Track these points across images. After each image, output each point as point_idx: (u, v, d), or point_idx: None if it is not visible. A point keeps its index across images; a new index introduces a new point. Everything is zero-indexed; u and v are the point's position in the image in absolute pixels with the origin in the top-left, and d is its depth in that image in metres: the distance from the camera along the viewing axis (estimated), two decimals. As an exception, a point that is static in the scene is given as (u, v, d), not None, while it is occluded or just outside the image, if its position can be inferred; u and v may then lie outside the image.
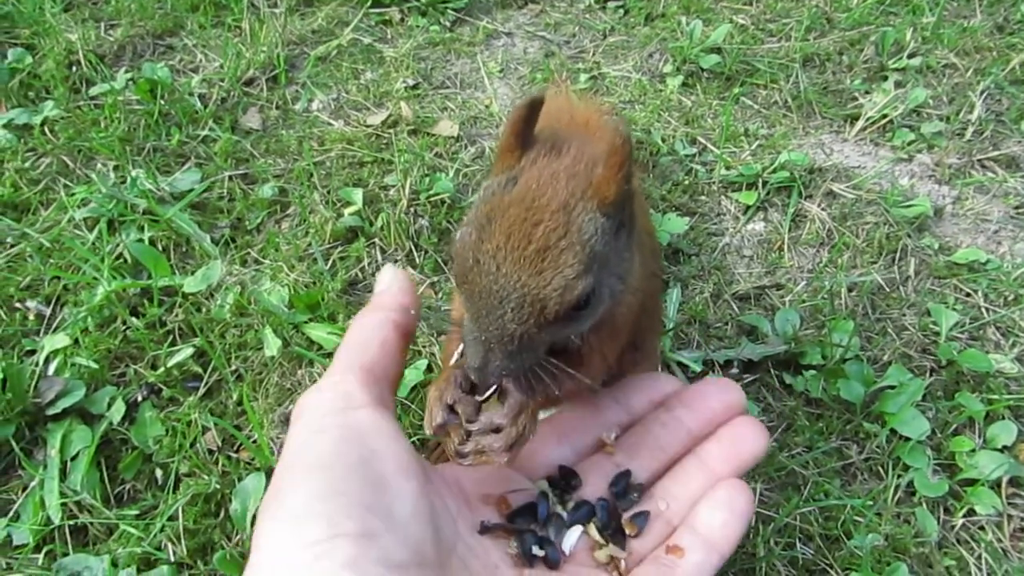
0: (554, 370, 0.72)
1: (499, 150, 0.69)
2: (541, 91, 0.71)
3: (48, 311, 1.47)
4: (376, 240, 1.57)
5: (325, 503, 0.63)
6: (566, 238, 0.65)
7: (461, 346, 0.75)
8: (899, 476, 1.29)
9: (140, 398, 1.33)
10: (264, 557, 0.61)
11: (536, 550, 0.76)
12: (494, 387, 0.75)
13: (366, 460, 0.67)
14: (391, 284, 0.82)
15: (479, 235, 0.66)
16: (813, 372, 1.38)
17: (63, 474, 1.22)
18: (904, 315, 1.56)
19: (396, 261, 1.55)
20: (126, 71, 1.92)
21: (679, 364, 1.40)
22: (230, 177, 1.70)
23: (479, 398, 0.75)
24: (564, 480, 0.85)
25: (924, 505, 1.25)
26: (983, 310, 1.57)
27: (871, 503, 1.23)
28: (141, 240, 1.52)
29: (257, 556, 0.61)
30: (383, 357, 0.76)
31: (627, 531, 0.80)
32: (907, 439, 1.31)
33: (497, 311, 0.65)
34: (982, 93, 2.06)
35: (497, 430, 0.75)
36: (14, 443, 1.25)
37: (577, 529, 0.80)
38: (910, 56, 2.17)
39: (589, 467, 0.86)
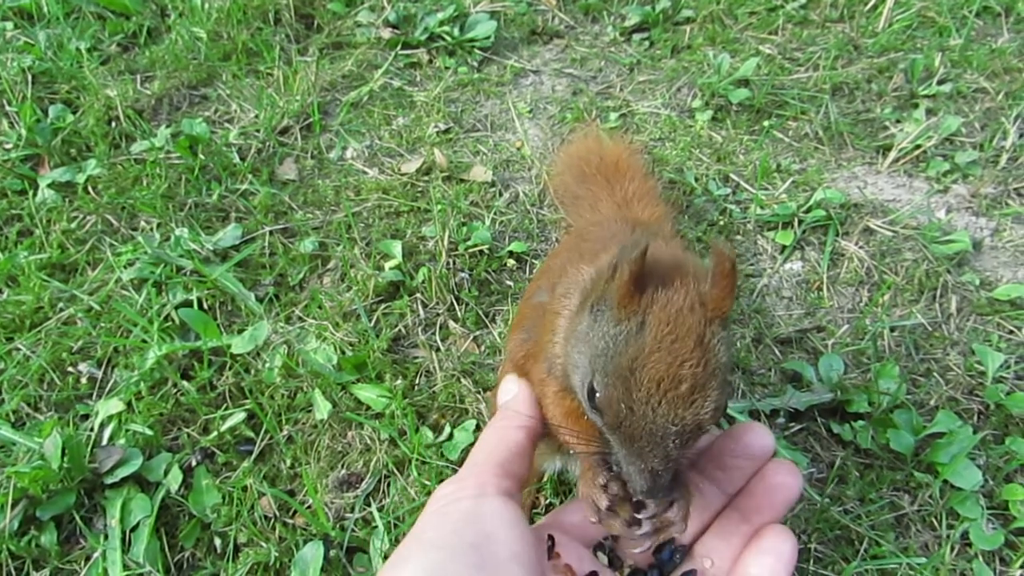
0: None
1: (618, 298, 0.73)
2: (645, 237, 0.74)
3: (100, 374, 1.50)
4: (418, 295, 1.59)
5: None
6: (707, 368, 0.70)
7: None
8: (951, 527, 1.28)
9: (194, 463, 1.36)
10: None
11: None
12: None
13: (480, 545, 0.72)
14: (517, 394, 0.91)
15: (626, 387, 0.71)
16: (861, 423, 1.38)
17: (124, 544, 1.24)
18: (948, 355, 1.56)
19: (438, 315, 1.57)
20: (166, 126, 1.95)
21: (725, 415, 1.40)
22: (271, 232, 1.73)
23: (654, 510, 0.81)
24: (611, 550, 0.90)
25: (980, 558, 1.25)
26: (1028, 348, 1.56)
27: (926, 559, 1.22)
28: (188, 302, 1.55)
29: None
30: (515, 458, 0.85)
31: None
32: (960, 488, 1.30)
33: (660, 444, 0.71)
34: (1016, 119, 2.05)
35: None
36: (75, 512, 1.28)
37: None
38: (940, 82, 2.16)
39: None
